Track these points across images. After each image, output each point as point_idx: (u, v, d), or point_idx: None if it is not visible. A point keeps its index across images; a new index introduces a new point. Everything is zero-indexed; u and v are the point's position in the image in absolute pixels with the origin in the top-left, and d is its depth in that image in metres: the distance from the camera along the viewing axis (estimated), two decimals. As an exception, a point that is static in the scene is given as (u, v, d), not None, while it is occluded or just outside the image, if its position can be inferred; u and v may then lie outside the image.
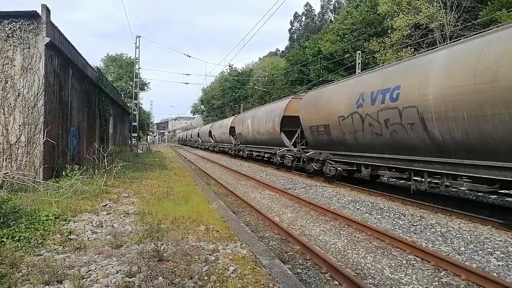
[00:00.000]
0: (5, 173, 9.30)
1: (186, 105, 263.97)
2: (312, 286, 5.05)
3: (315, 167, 15.22)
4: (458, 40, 9.33)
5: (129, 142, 37.17)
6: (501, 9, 23.79)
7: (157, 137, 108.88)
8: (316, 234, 7.59)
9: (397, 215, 9.05)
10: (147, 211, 7.80)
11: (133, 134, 35.98)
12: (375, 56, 33.83)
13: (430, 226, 7.94)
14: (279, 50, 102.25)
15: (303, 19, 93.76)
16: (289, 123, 18.61)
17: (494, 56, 7.17)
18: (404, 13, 31.67)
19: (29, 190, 8.74)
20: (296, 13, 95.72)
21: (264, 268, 4.74)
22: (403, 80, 9.64)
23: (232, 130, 31.69)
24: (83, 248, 5.32)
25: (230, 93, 75.79)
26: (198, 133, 56.93)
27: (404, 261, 5.98)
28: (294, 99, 19.32)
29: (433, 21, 29.46)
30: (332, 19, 70.37)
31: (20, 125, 10.46)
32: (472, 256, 6.16)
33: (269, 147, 21.55)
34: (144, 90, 55.85)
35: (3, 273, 4.23)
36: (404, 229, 7.87)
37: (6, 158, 10.26)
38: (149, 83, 59.35)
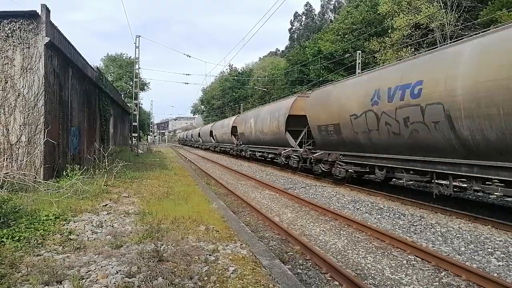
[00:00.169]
0: (6, 173, 9.30)
1: (186, 105, 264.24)
2: (312, 286, 5.04)
3: (323, 169, 14.49)
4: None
5: (130, 142, 37.18)
6: (501, 9, 23.73)
7: (157, 137, 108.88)
8: (316, 234, 7.58)
9: (397, 215, 9.05)
10: (147, 211, 7.80)
11: (133, 134, 35.99)
12: (375, 56, 33.81)
13: (430, 226, 7.93)
14: (279, 50, 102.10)
15: (303, 19, 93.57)
16: (295, 123, 17.89)
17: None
18: (404, 13, 31.65)
19: (29, 190, 8.73)
20: (296, 12, 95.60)
21: (264, 269, 4.73)
22: (426, 74, 8.89)
23: (234, 130, 31.23)
24: (83, 248, 5.31)
25: (230, 93, 75.74)
26: (199, 133, 56.86)
27: (405, 261, 5.97)
28: (300, 97, 18.50)
29: (434, 21, 29.43)
30: (332, 19, 70.21)
31: (21, 125, 10.47)
32: (473, 256, 6.16)
33: (273, 147, 20.86)
34: (144, 90, 55.75)
35: (2, 273, 4.23)
36: (404, 229, 7.86)
37: (6, 158, 10.26)
38: (149, 83, 59.25)
